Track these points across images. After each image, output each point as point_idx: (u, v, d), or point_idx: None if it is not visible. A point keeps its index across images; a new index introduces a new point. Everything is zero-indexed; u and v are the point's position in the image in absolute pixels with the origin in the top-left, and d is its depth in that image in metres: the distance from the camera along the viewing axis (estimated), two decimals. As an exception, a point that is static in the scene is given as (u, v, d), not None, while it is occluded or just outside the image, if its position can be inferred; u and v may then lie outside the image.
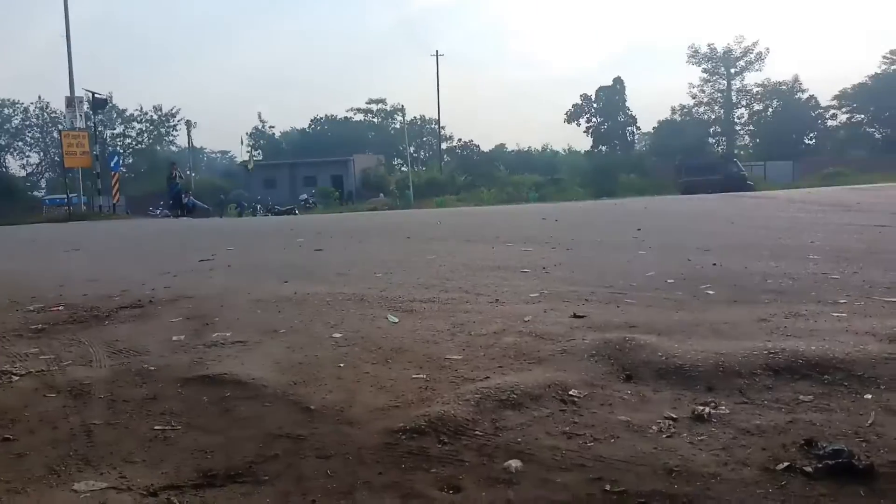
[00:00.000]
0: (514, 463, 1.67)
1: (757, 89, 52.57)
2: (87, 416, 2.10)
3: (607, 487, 1.53)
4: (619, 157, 48.46)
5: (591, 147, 52.84)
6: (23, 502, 1.57)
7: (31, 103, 52.96)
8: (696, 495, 1.48)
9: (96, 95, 23.76)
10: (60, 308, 3.78)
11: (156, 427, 2.00)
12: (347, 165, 47.38)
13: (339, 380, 2.36)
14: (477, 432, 1.87)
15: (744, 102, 53.64)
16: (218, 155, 67.74)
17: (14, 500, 1.58)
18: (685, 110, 54.45)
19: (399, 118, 62.36)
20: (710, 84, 53.27)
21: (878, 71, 47.57)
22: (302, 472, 1.67)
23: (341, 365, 2.53)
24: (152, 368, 2.55)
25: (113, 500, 1.56)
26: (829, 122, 51.52)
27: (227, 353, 2.73)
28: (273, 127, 63.73)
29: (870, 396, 2.00)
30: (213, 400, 2.20)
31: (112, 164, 26.59)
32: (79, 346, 2.96)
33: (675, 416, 1.93)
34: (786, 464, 1.60)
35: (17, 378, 2.52)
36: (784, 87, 51.44)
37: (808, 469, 1.57)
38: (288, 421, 2.01)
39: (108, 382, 2.42)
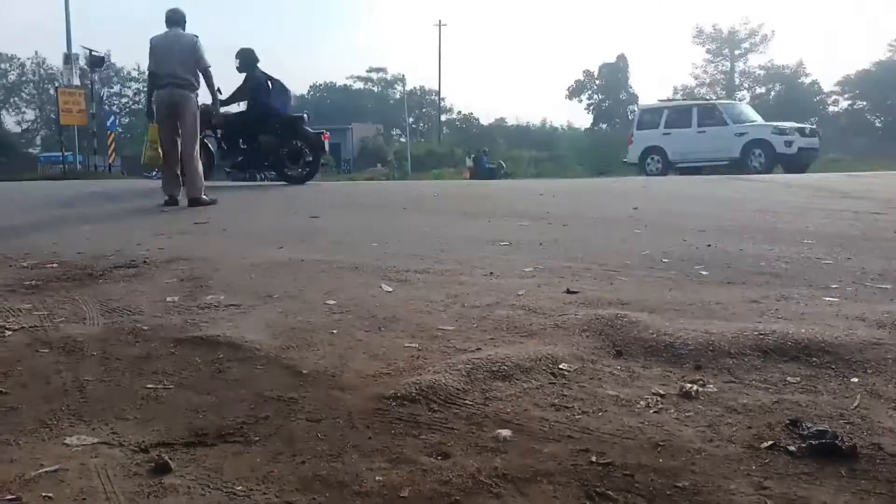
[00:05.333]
0: (503, 432, 1.69)
1: (760, 72, 52.21)
2: (80, 372, 2.11)
3: (594, 459, 1.55)
4: (620, 136, 48.22)
5: (592, 124, 52.54)
6: (15, 454, 1.58)
7: (28, 59, 52.21)
8: (680, 469, 1.50)
9: (93, 53, 23.41)
10: (54, 265, 3.77)
11: (148, 385, 2.01)
12: (345, 134, 46.98)
13: (332, 346, 2.37)
14: (467, 401, 1.89)
15: (746, 85, 53.32)
16: (214, 118, 66.93)
17: (6, 452, 1.59)
18: (687, 91, 54.11)
19: (399, 88, 61.87)
20: (713, 65, 52.90)
21: (883, 58, 47.30)
22: (292, 434, 1.69)
23: (334, 331, 2.54)
24: (145, 328, 2.56)
25: (104, 455, 1.58)
26: (831, 109, 51.29)
27: (221, 316, 2.74)
28: (272, 91, 63.04)
29: (856, 380, 2.02)
30: (206, 361, 2.22)
31: (108, 124, 26.31)
32: (72, 303, 2.96)
33: (663, 392, 1.95)
34: (770, 442, 1.62)
35: (9, 333, 2.52)
36: (787, 71, 51.06)
37: (792, 448, 1.59)
38: (280, 384, 2.02)
39: (100, 340, 2.43)
